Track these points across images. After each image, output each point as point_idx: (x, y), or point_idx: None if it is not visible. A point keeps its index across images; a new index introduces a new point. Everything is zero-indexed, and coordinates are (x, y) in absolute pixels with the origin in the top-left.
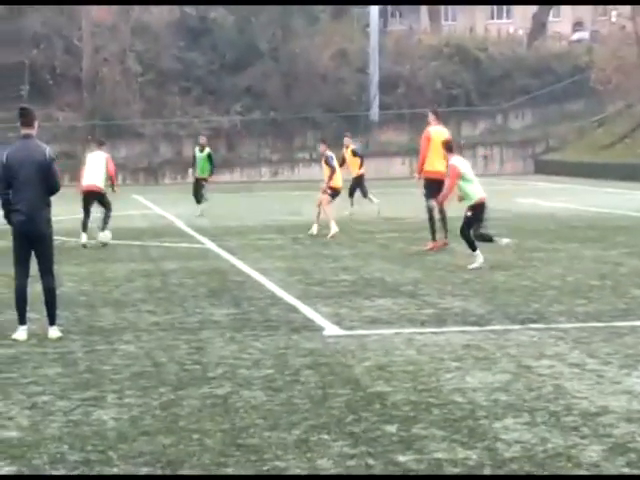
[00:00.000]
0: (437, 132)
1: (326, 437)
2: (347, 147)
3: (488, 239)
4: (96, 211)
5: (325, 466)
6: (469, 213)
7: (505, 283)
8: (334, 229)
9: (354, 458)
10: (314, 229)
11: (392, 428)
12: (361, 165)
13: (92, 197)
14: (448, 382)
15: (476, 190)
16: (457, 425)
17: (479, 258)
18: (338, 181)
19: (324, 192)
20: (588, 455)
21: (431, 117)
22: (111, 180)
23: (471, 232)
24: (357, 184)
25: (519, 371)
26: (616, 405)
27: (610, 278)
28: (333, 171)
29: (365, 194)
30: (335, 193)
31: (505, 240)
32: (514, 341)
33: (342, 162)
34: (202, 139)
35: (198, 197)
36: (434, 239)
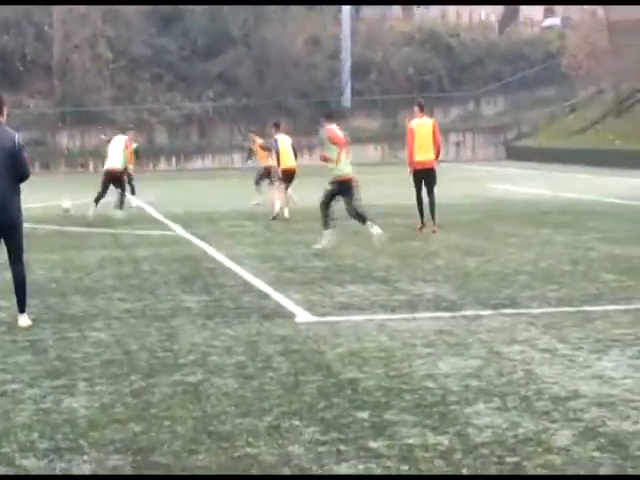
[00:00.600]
0: (420, 124)
1: (297, 423)
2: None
3: (362, 220)
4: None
5: (297, 452)
6: (331, 186)
7: (477, 269)
8: (277, 209)
9: (325, 444)
10: (285, 213)
11: (364, 414)
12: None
13: (111, 178)
14: (420, 368)
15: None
16: (428, 411)
17: (326, 237)
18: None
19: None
20: (559, 440)
21: (416, 109)
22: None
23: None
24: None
25: (490, 356)
26: (587, 390)
27: (582, 263)
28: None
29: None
30: (286, 175)
31: (376, 230)
32: (485, 326)
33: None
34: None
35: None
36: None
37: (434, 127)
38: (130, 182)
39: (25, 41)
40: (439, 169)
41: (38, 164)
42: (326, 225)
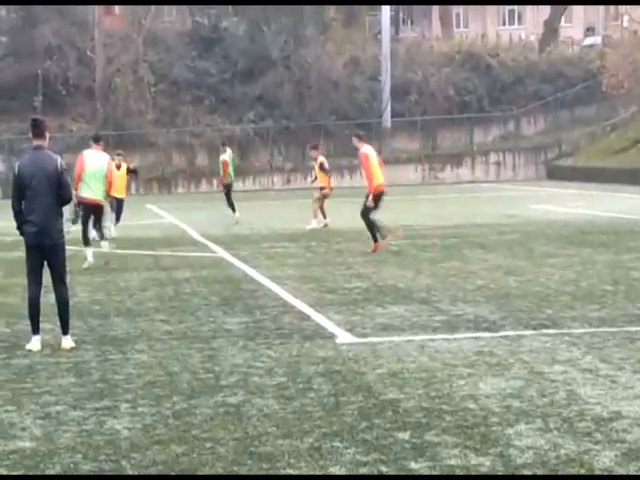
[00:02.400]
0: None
1: (339, 445)
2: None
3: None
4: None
5: (338, 473)
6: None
7: (518, 289)
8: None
9: (367, 465)
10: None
11: (405, 435)
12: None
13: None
14: (460, 388)
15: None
16: (470, 432)
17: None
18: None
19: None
20: (601, 460)
21: (355, 140)
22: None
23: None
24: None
25: (532, 377)
26: (629, 410)
27: (623, 283)
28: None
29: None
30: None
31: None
32: (527, 347)
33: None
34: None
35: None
36: (376, 240)
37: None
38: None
39: (68, 65)
40: (480, 189)
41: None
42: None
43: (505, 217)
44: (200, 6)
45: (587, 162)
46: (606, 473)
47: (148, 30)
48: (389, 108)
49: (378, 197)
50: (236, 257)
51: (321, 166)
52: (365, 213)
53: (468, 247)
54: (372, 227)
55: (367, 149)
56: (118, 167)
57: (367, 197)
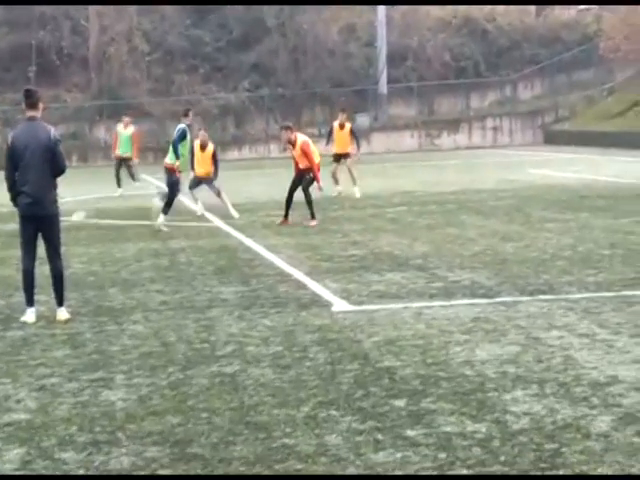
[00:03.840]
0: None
1: (335, 413)
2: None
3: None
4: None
5: (334, 442)
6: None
7: (515, 254)
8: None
9: (363, 434)
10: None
11: (401, 403)
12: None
13: None
14: (457, 355)
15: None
16: (466, 398)
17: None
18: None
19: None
20: (598, 425)
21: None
22: None
23: None
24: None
25: (528, 343)
26: (626, 375)
27: (621, 247)
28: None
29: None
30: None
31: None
32: (523, 313)
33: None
34: (125, 118)
35: (119, 178)
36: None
37: None
38: (129, 170)
39: (62, 35)
40: (477, 155)
41: (75, 157)
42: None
43: (503, 182)
44: None
45: (584, 126)
46: (602, 438)
47: None
48: (385, 74)
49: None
50: (232, 226)
51: (351, 132)
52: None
53: (466, 213)
54: (311, 203)
55: (304, 137)
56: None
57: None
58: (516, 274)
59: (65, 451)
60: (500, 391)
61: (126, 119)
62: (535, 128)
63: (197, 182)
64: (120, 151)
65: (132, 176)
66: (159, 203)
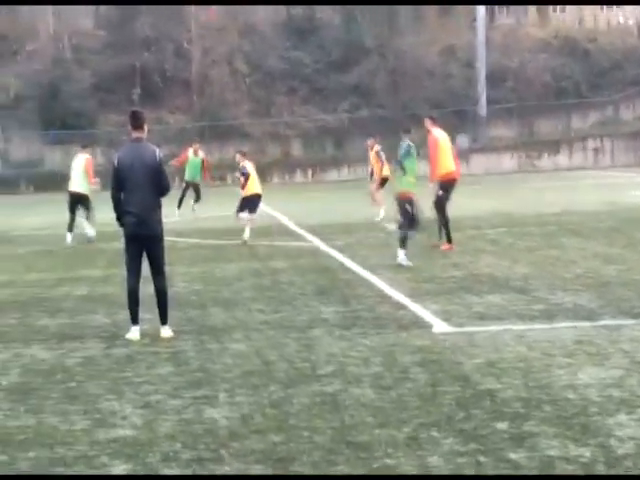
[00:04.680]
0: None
1: (436, 434)
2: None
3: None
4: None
5: (435, 464)
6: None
7: (617, 277)
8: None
9: (464, 455)
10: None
11: (503, 425)
12: None
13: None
14: (559, 378)
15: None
16: (569, 422)
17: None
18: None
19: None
20: None
21: (428, 122)
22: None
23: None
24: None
25: (632, 367)
26: None
27: None
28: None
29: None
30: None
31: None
32: (627, 336)
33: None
34: (195, 145)
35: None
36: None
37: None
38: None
39: (165, 58)
40: (578, 176)
41: (178, 178)
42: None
43: (604, 204)
44: None
45: None
46: None
47: (243, 21)
48: (485, 95)
49: (447, 185)
50: (332, 246)
51: (377, 155)
52: (439, 204)
53: (566, 235)
54: (447, 224)
55: (439, 133)
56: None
57: (438, 187)
58: (619, 297)
59: (170, 467)
60: (604, 415)
61: (196, 145)
62: (638, 149)
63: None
64: (189, 177)
65: (197, 199)
66: None
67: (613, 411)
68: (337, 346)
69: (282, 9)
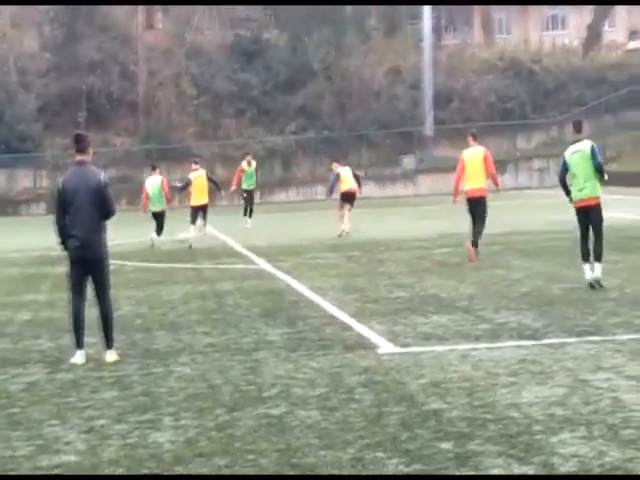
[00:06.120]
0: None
1: (381, 455)
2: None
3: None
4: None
5: None
6: None
7: (562, 296)
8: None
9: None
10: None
11: (447, 445)
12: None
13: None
14: (504, 397)
15: None
16: (513, 440)
17: None
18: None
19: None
20: None
21: (470, 139)
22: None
23: None
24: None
25: (576, 385)
26: None
27: None
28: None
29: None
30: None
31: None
32: (571, 354)
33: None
34: (248, 157)
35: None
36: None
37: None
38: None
39: (111, 80)
40: (524, 195)
41: (125, 201)
42: None
43: (550, 223)
44: (241, 19)
45: (632, 167)
46: None
47: (190, 43)
48: (431, 116)
49: (469, 203)
50: (278, 268)
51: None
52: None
53: (512, 255)
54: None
55: (467, 151)
56: None
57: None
58: (563, 315)
59: None
60: (547, 433)
61: (248, 157)
62: None
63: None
64: (246, 185)
65: (251, 212)
66: None
67: (556, 429)
68: (283, 368)
69: (229, 31)
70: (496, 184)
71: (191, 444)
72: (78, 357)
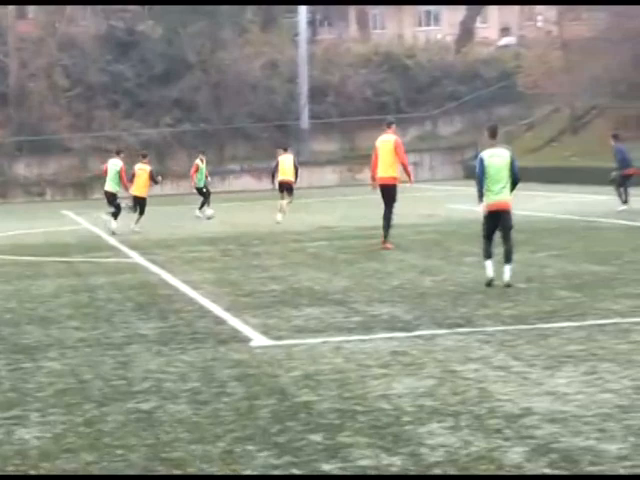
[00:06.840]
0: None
1: (251, 448)
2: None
3: None
4: None
5: (250, 475)
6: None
7: (433, 288)
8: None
9: (279, 468)
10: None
11: (317, 437)
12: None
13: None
14: (374, 389)
15: None
16: (382, 432)
17: None
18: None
19: None
20: (511, 457)
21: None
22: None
23: None
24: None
25: (445, 376)
26: (539, 406)
27: (537, 280)
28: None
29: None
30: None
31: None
32: (441, 346)
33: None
34: (201, 156)
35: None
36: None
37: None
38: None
39: None
40: (399, 189)
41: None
42: None
43: (423, 217)
44: (115, 10)
45: None
46: (515, 469)
47: (62, 34)
48: (307, 110)
49: (380, 190)
50: (152, 262)
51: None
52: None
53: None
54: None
55: (380, 138)
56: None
57: None
58: (434, 307)
59: None
60: (416, 424)
61: (202, 156)
62: (455, 163)
63: None
64: (202, 183)
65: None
66: None
67: (425, 420)
68: (154, 362)
69: (103, 22)
70: (407, 174)
71: (58, 440)
72: None
